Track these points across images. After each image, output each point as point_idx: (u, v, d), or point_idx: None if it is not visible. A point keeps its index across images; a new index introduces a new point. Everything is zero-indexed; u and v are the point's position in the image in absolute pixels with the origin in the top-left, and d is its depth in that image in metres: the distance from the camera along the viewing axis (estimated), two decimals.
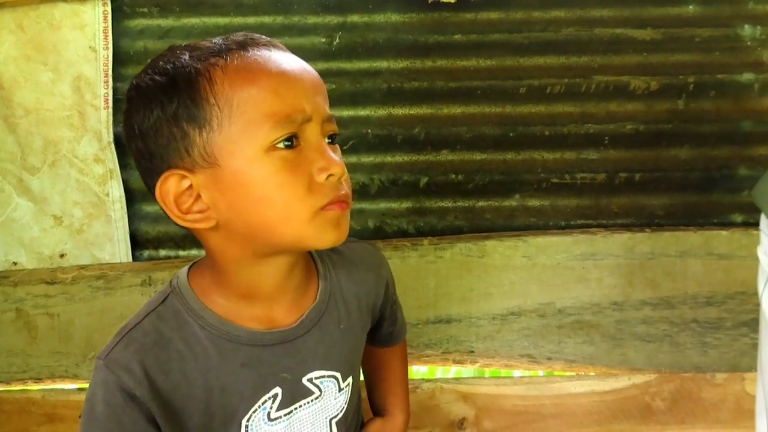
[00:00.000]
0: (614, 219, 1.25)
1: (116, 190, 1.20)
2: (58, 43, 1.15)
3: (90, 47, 1.16)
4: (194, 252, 1.24)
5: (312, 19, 1.19)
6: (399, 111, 1.22)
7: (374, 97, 1.21)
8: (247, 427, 0.66)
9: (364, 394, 0.86)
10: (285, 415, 0.68)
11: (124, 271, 1.20)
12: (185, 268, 0.68)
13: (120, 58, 1.18)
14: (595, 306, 1.21)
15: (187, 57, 0.59)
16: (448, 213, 1.25)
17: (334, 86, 1.20)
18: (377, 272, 0.78)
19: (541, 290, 1.20)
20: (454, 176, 1.24)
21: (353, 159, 1.22)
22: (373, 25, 1.20)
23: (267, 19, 1.19)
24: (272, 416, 0.67)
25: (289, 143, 0.59)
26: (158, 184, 0.59)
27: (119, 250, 1.22)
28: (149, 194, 0.62)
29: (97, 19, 1.15)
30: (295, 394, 0.68)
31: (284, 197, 0.58)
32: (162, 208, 0.61)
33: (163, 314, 0.64)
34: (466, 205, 1.25)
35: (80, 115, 1.18)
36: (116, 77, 1.17)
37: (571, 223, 1.26)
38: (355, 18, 1.19)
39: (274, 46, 0.62)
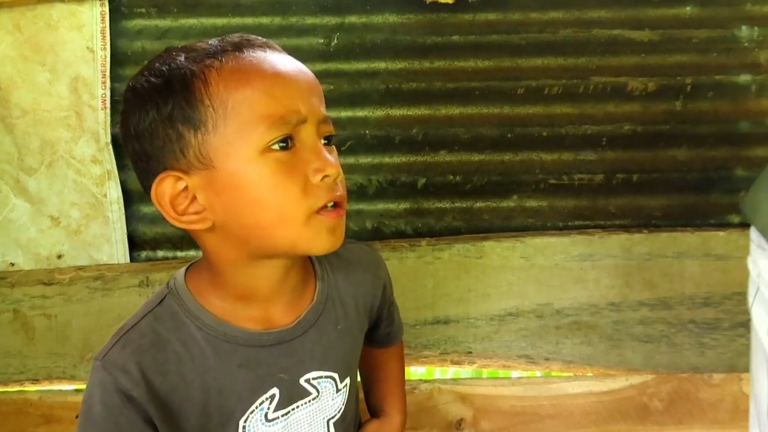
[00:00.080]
0: (612, 220, 1.26)
1: (114, 191, 1.20)
2: (56, 43, 1.15)
3: (87, 48, 1.16)
4: (192, 253, 1.24)
5: (310, 20, 1.19)
6: (397, 112, 1.22)
7: (372, 98, 1.21)
8: (244, 427, 0.66)
9: (361, 395, 0.86)
10: (282, 415, 0.68)
11: (121, 272, 1.20)
12: (182, 270, 0.68)
13: (118, 59, 1.18)
14: (592, 307, 1.21)
15: (182, 58, 0.59)
16: (446, 214, 1.25)
17: (332, 87, 1.20)
18: (375, 273, 0.78)
19: (539, 291, 1.21)
20: (452, 177, 1.24)
21: (351, 160, 1.22)
22: (371, 25, 1.20)
23: (265, 20, 1.19)
24: (269, 417, 0.67)
25: (284, 145, 0.59)
26: (154, 186, 0.60)
27: (117, 251, 1.22)
28: (147, 195, 0.62)
29: (95, 20, 1.15)
30: (292, 395, 0.68)
31: (279, 199, 0.58)
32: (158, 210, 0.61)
33: (160, 315, 0.64)
34: (464, 206, 1.25)
35: (78, 116, 1.17)
36: (114, 78, 1.17)
37: (569, 223, 1.26)
38: (353, 19, 1.19)
39: (270, 47, 0.62)
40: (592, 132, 1.23)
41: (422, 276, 1.20)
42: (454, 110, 1.22)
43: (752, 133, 1.23)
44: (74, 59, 1.16)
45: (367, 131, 1.22)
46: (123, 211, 1.21)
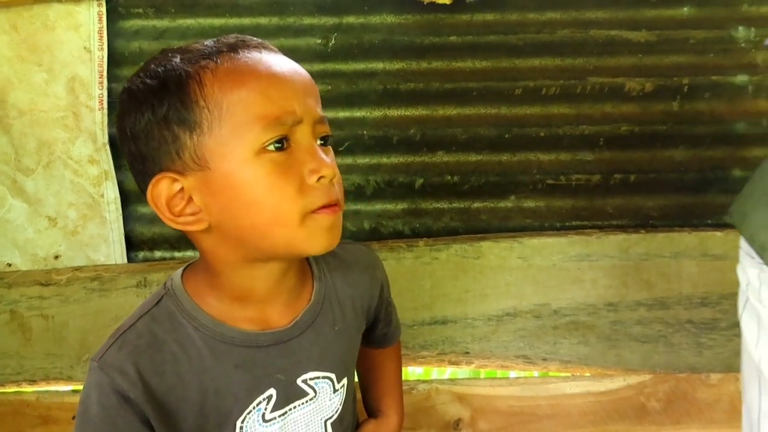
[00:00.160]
0: (609, 220, 1.26)
1: (111, 192, 1.20)
2: (53, 43, 1.15)
3: (85, 48, 1.16)
4: (189, 253, 1.24)
5: (307, 20, 1.19)
6: (394, 112, 1.22)
7: (370, 99, 1.21)
8: (241, 428, 0.66)
9: (358, 395, 0.86)
10: (279, 416, 0.68)
11: (119, 273, 1.19)
12: (180, 270, 0.68)
13: (115, 59, 1.18)
14: (590, 307, 1.21)
15: (177, 60, 0.59)
16: (444, 214, 1.25)
17: (329, 87, 1.20)
18: (372, 274, 0.78)
19: (537, 291, 1.21)
20: (449, 177, 1.24)
21: (349, 160, 1.22)
22: (369, 26, 1.20)
23: (263, 20, 1.19)
24: (267, 417, 0.67)
25: (280, 145, 0.58)
26: (150, 187, 0.59)
27: (114, 252, 1.22)
28: (143, 196, 0.62)
29: (92, 20, 1.15)
30: (289, 395, 0.68)
31: (274, 200, 0.58)
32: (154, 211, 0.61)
33: (157, 316, 0.64)
34: (462, 206, 1.25)
35: (75, 116, 1.17)
36: (111, 78, 1.17)
37: (567, 224, 1.26)
38: (350, 19, 1.19)
39: (266, 48, 0.62)
40: (589, 132, 1.23)
41: (420, 276, 1.20)
42: (452, 111, 1.22)
43: (749, 133, 1.23)
44: (71, 59, 1.16)
45: (365, 132, 1.22)
46: (120, 211, 1.21)
